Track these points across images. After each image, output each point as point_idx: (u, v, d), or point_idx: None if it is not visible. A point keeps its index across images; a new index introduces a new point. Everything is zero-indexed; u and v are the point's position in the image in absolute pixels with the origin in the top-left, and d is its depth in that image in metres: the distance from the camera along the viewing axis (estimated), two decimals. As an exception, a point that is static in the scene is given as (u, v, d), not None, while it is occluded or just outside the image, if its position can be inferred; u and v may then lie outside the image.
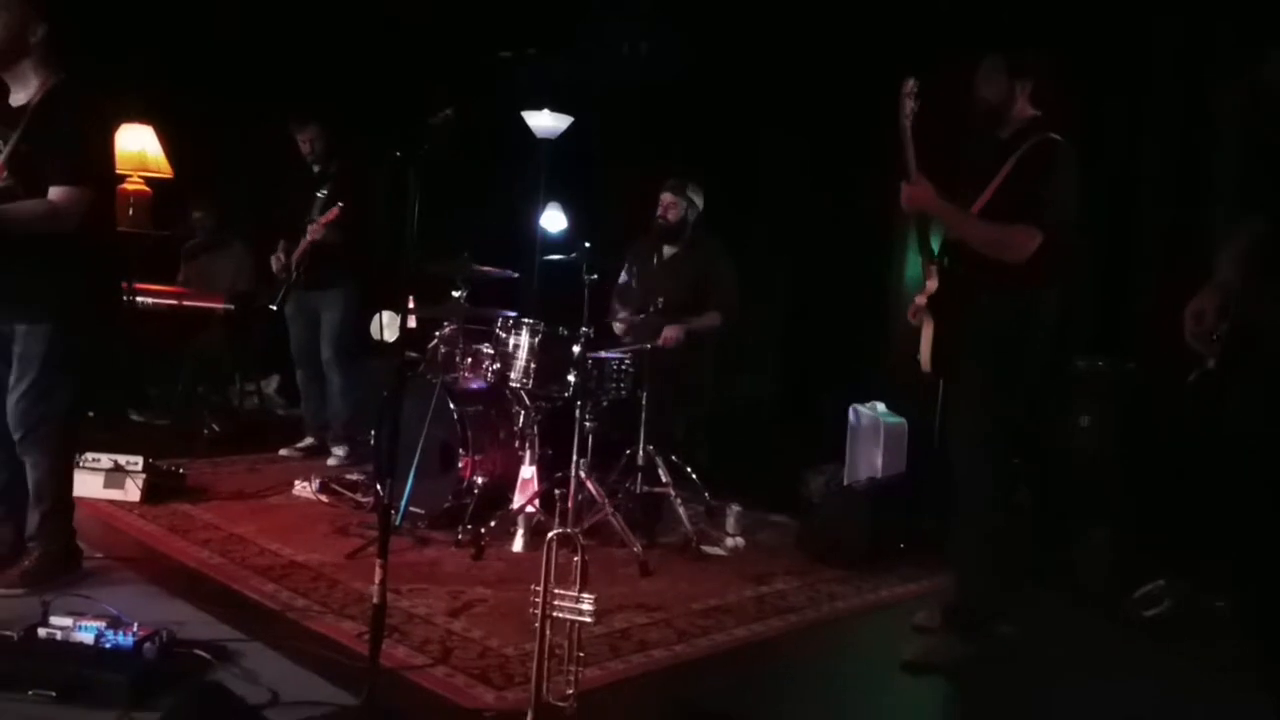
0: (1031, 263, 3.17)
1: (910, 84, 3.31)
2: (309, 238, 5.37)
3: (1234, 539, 3.51)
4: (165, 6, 6.58)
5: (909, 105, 3.31)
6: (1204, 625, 3.63)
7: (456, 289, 4.57)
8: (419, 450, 4.34)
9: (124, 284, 5.70)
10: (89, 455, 4.48)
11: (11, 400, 3.24)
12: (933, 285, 3.44)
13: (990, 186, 3.26)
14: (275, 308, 5.61)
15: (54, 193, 3.14)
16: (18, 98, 3.25)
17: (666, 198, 5.12)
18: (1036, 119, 3.30)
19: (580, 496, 4.17)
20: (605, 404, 4.48)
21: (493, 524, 4.21)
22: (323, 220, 5.27)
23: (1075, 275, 3.56)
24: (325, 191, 5.50)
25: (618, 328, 5.16)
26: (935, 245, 3.51)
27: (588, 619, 2.50)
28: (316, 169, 5.61)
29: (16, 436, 3.26)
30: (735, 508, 4.64)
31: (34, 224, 3.13)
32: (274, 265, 5.61)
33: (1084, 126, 3.39)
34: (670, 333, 4.87)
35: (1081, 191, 3.28)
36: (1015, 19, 4.99)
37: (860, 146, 5.79)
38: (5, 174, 3.15)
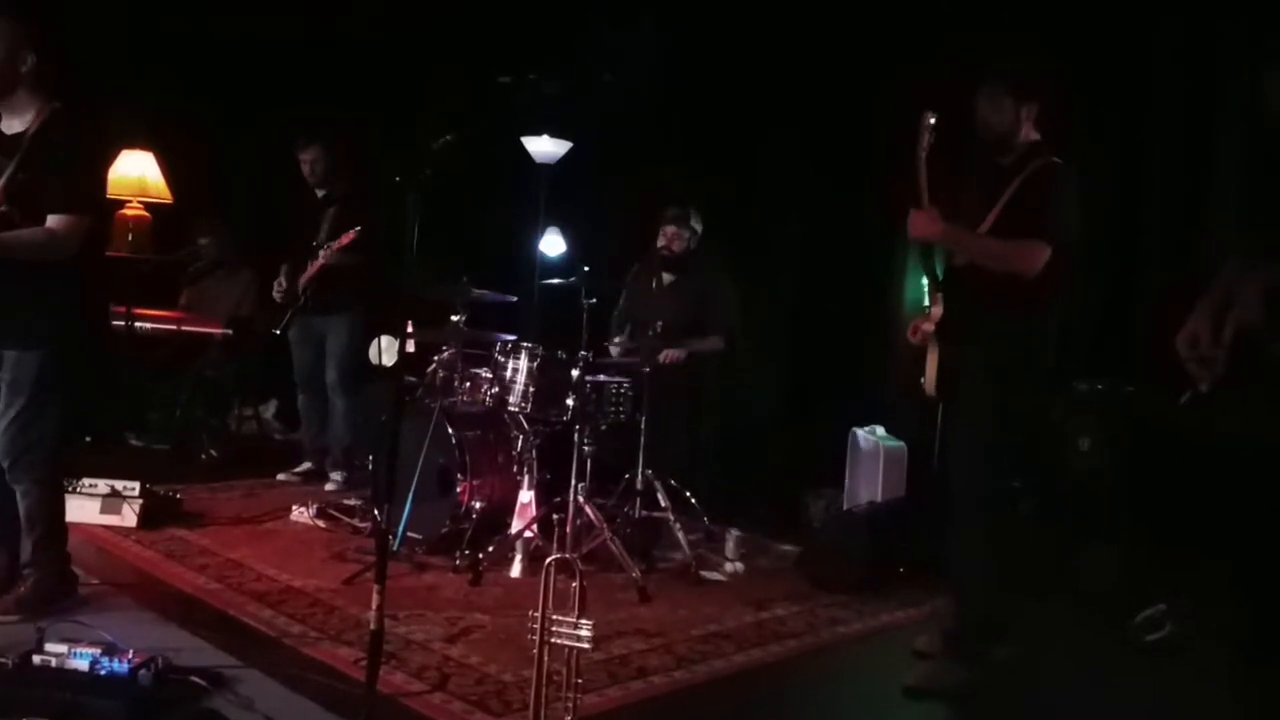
0: (1033, 285, 3.18)
1: (928, 118, 3.31)
2: (321, 261, 5.36)
3: (1230, 551, 3.51)
4: (165, 33, 6.62)
5: (926, 139, 3.31)
6: (1207, 648, 3.61)
7: (455, 313, 4.57)
8: (417, 475, 4.33)
9: (120, 309, 5.73)
10: (85, 480, 4.47)
11: (3, 425, 3.23)
12: (938, 311, 3.45)
13: (993, 212, 3.27)
14: (279, 332, 5.61)
15: (52, 220, 3.15)
16: (13, 125, 3.26)
17: (670, 230, 5.15)
18: (1037, 143, 3.32)
19: (579, 521, 4.16)
20: (604, 428, 4.48)
21: (491, 549, 4.19)
22: (338, 244, 5.25)
23: (1074, 298, 3.55)
24: (332, 214, 5.50)
25: (614, 351, 5.16)
26: (939, 271, 3.52)
27: (586, 645, 2.48)
28: (320, 192, 5.62)
29: (6, 464, 3.25)
30: (734, 532, 4.62)
31: (32, 251, 3.14)
32: (275, 291, 5.61)
33: (1083, 148, 3.40)
34: (671, 353, 4.87)
35: (1081, 216, 3.29)
36: (1014, 29, 5.02)
37: (862, 167, 5.82)
38: (3, 202, 3.16)
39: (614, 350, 5.17)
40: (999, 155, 3.36)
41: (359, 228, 5.16)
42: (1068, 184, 3.24)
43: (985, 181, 3.37)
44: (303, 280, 5.47)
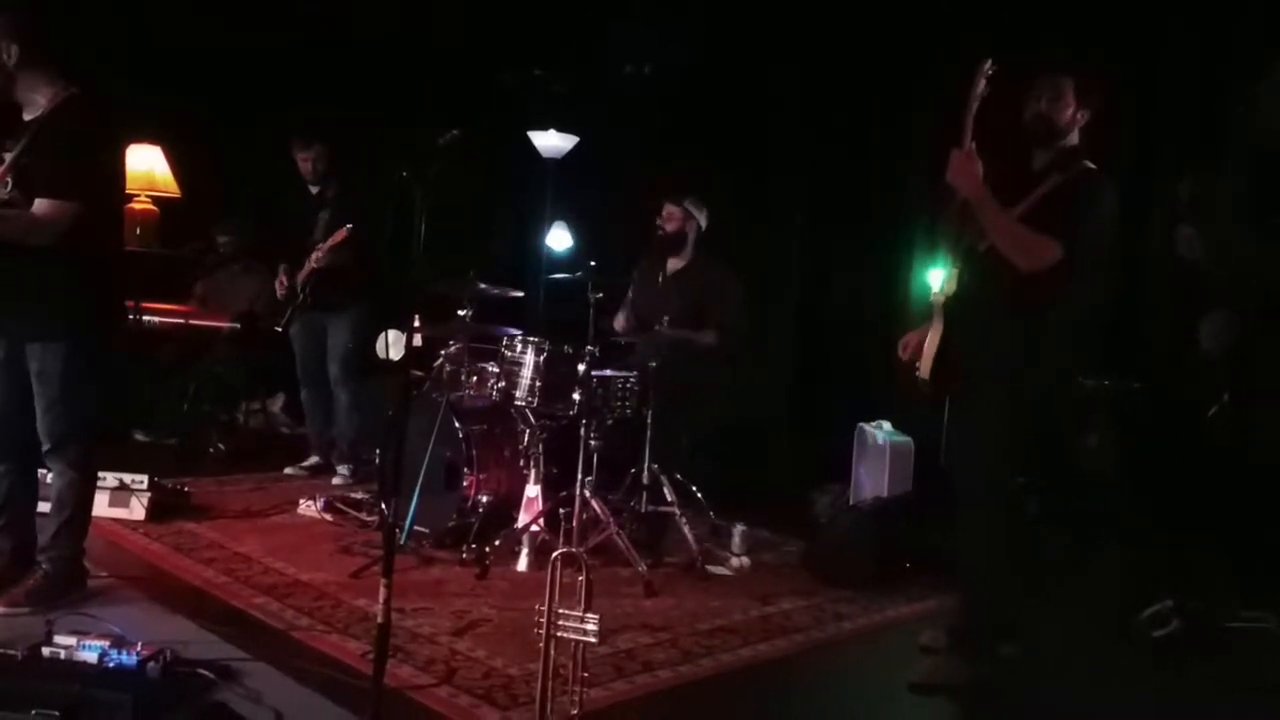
0: (1052, 286, 3.16)
1: (987, 64, 3.21)
2: (313, 263, 5.37)
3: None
4: (174, 27, 6.63)
5: (980, 86, 3.21)
6: (1213, 645, 3.61)
7: (462, 308, 4.58)
8: (424, 469, 4.34)
9: (129, 302, 5.74)
10: (94, 473, 4.48)
11: (39, 415, 3.28)
12: (937, 298, 3.42)
13: (1020, 208, 3.24)
14: (280, 329, 5.63)
15: (37, 205, 3.15)
16: (28, 113, 3.29)
17: (665, 210, 5.17)
18: (1076, 149, 3.28)
19: (585, 515, 4.16)
20: (610, 422, 4.47)
21: (497, 543, 4.20)
22: (329, 244, 5.27)
23: (1099, 310, 3.48)
24: (328, 212, 5.51)
25: (617, 324, 5.16)
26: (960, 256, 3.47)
27: (592, 639, 2.49)
28: (315, 189, 5.63)
29: (46, 447, 3.31)
30: (740, 527, 4.62)
31: (12, 234, 3.14)
32: (278, 289, 5.63)
33: (1094, 142, 3.37)
34: (661, 329, 4.86)
35: (1116, 227, 3.26)
36: (1023, 28, 5.01)
37: (870, 162, 5.81)
38: (10, 186, 3.17)
39: (618, 323, 5.16)
40: (1038, 152, 3.32)
41: (349, 226, 5.17)
42: (1103, 195, 3.20)
43: (1016, 176, 3.32)
44: (300, 278, 5.49)
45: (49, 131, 3.20)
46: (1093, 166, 3.23)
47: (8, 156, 3.20)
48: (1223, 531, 3.89)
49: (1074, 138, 3.29)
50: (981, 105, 3.25)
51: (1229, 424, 3.13)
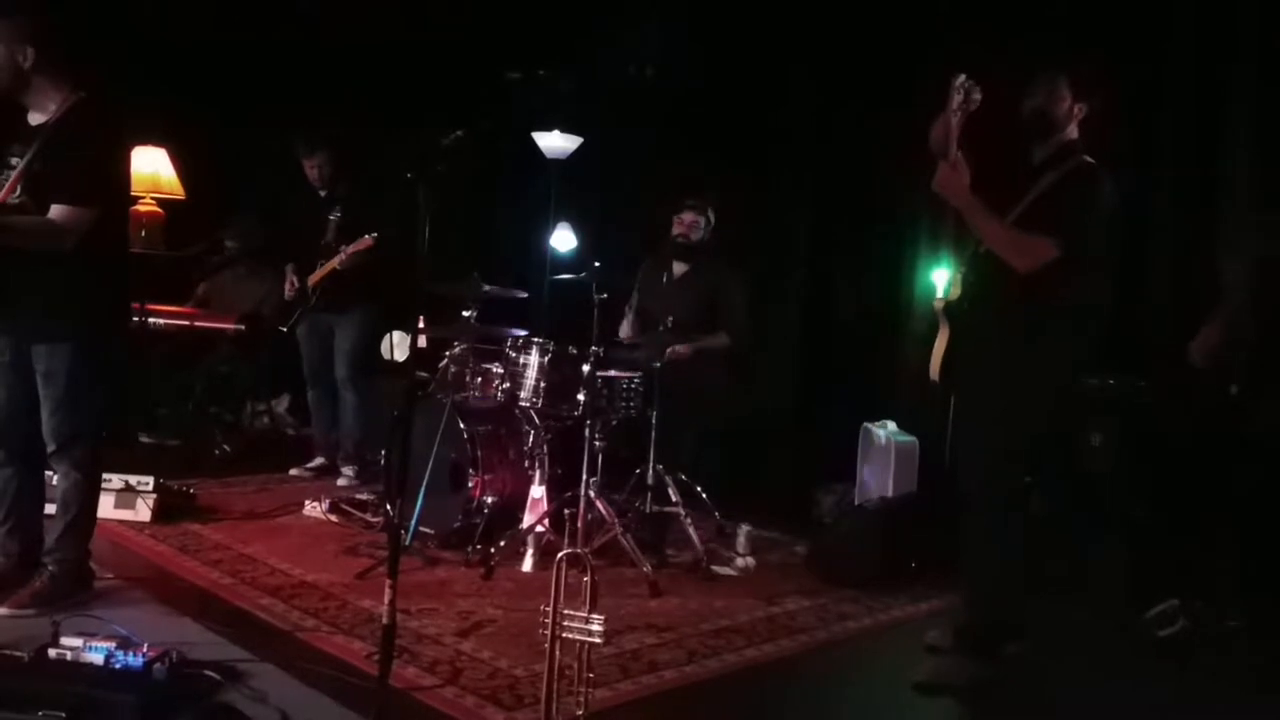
0: (1053, 284, 3.15)
1: (960, 79, 3.21)
2: (334, 265, 5.36)
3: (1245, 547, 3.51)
4: (178, 28, 6.64)
5: (957, 99, 3.20)
6: (1219, 644, 3.60)
7: (467, 308, 4.59)
8: (429, 470, 4.34)
9: (134, 304, 5.75)
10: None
11: (45, 417, 3.29)
12: (939, 305, 3.44)
13: (1019, 207, 3.23)
14: (286, 330, 5.63)
15: (55, 211, 3.16)
16: (37, 117, 3.29)
17: (688, 217, 5.16)
18: (1074, 142, 3.28)
19: (590, 516, 4.16)
20: (615, 423, 4.48)
21: (502, 544, 4.20)
22: (353, 249, 5.25)
23: (1103, 307, 3.47)
24: (338, 214, 5.51)
25: (623, 332, 5.17)
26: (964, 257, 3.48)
27: (597, 639, 2.49)
28: (323, 193, 5.63)
29: (50, 449, 3.32)
30: (745, 527, 4.62)
31: (31, 239, 3.15)
32: (287, 290, 5.63)
33: (1095, 138, 3.37)
34: (678, 348, 4.87)
35: (1114, 219, 3.26)
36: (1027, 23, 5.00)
37: (872, 162, 5.80)
38: (19, 191, 3.17)
39: (623, 331, 5.18)
40: (1034, 147, 3.32)
41: (375, 234, 5.16)
42: (1099, 188, 3.20)
43: (1016, 173, 3.32)
44: (312, 280, 5.49)
45: (62, 136, 3.20)
46: (1090, 160, 3.23)
47: (14, 161, 3.21)
48: (1227, 530, 3.88)
49: (1072, 132, 3.30)
50: (979, 108, 3.25)
51: (1236, 422, 3.12)
